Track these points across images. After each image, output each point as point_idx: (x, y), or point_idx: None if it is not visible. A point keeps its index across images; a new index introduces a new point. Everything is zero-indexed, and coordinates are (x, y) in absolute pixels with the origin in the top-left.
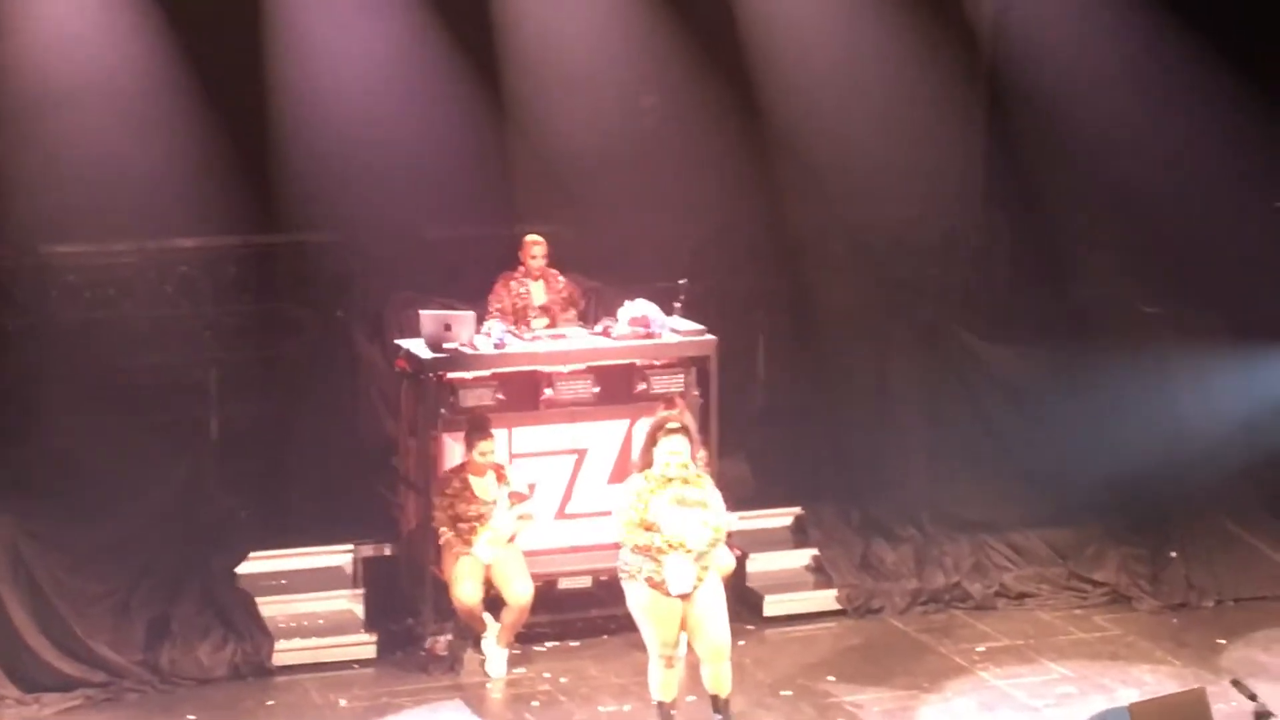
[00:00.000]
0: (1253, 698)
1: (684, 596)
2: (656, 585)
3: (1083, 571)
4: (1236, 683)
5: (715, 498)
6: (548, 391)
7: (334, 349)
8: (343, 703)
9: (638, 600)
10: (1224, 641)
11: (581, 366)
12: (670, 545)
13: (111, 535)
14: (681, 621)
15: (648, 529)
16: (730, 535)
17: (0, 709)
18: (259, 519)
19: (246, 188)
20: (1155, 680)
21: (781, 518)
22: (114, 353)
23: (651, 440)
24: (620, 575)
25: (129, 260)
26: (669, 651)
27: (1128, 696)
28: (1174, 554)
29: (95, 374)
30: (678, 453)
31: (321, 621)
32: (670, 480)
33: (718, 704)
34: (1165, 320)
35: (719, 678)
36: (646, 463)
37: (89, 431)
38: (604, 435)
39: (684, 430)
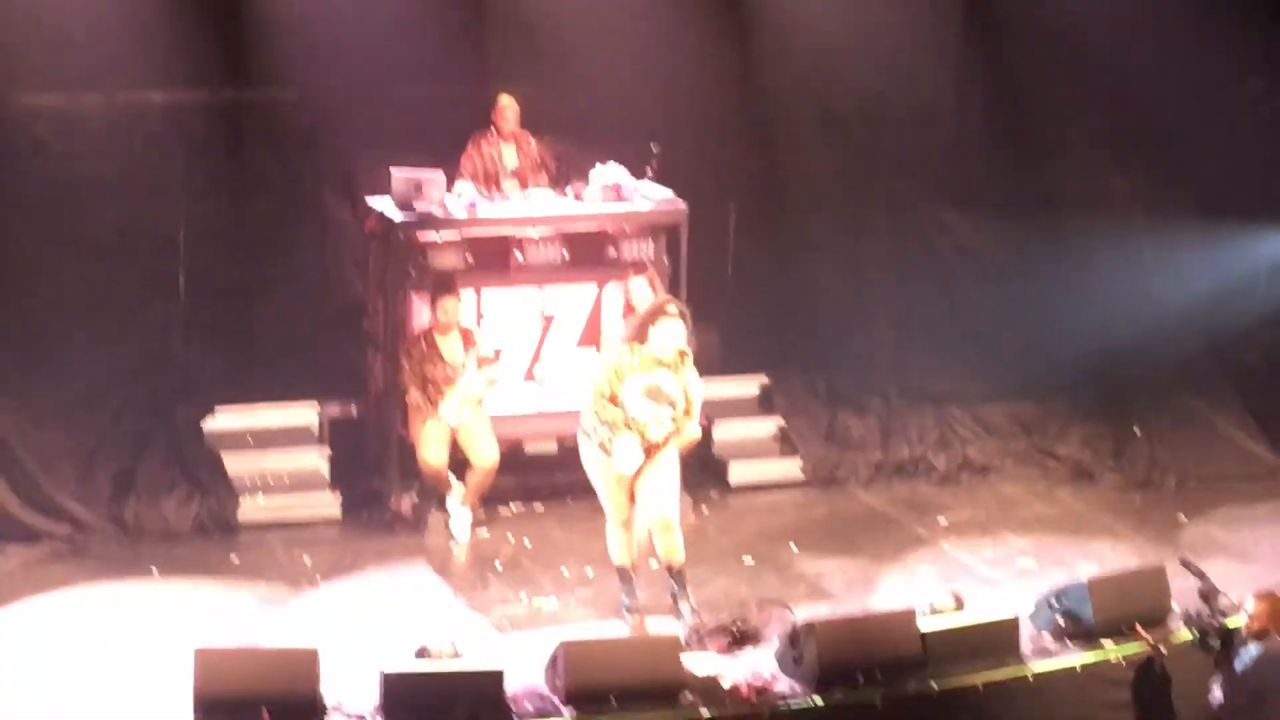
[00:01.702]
0: (1201, 575)
1: (634, 464)
2: (606, 451)
3: (1047, 446)
4: (1186, 561)
5: (695, 393)
6: (517, 255)
7: (303, 207)
8: (307, 560)
9: (591, 462)
10: (1185, 519)
11: (551, 231)
12: (629, 426)
13: (77, 389)
14: (630, 491)
15: (613, 403)
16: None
17: None
18: (226, 375)
19: (217, 42)
20: (1115, 556)
21: (748, 386)
22: (82, 207)
23: (651, 319)
24: (579, 434)
25: (98, 113)
26: (624, 515)
27: (1087, 571)
28: (1138, 431)
29: (63, 228)
30: (673, 338)
31: (287, 479)
32: (658, 363)
33: (672, 571)
34: (1135, 196)
35: (670, 547)
36: (639, 337)
37: (56, 286)
38: (572, 300)
39: (683, 316)
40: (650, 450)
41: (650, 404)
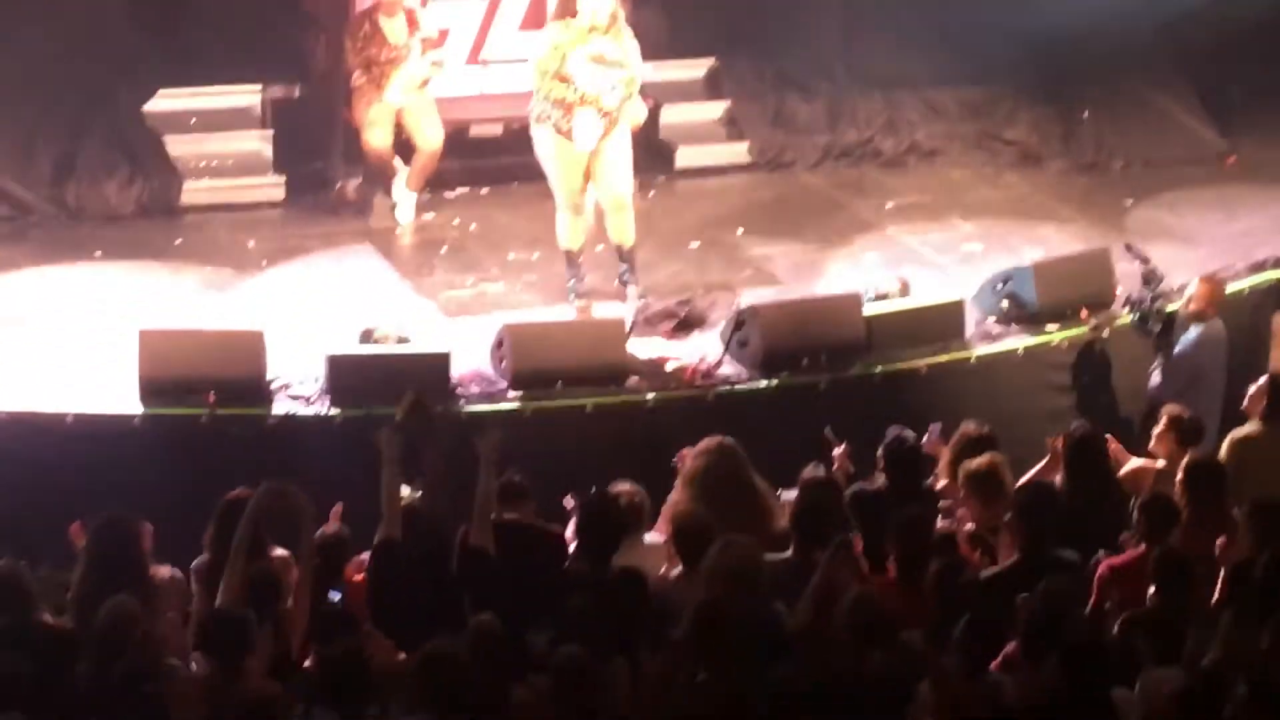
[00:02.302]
0: (1144, 260)
1: (588, 146)
2: (563, 133)
3: (994, 130)
4: (1129, 246)
5: (634, 54)
6: None
7: None
8: (251, 244)
9: (545, 147)
10: (1130, 202)
11: None
12: (583, 100)
13: (14, 69)
14: (586, 170)
15: (562, 81)
16: (643, 85)
17: None
18: (167, 57)
19: None
20: (1060, 239)
21: (695, 69)
22: None
23: None
24: (530, 121)
25: None
26: (575, 199)
27: (1033, 255)
28: (1086, 114)
29: None
30: (602, 4)
31: (230, 162)
32: (592, 31)
33: (622, 253)
34: None
35: (622, 227)
36: (568, 11)
37: None
38: None
39: None
40: (608, 121)
41: (599, 70)
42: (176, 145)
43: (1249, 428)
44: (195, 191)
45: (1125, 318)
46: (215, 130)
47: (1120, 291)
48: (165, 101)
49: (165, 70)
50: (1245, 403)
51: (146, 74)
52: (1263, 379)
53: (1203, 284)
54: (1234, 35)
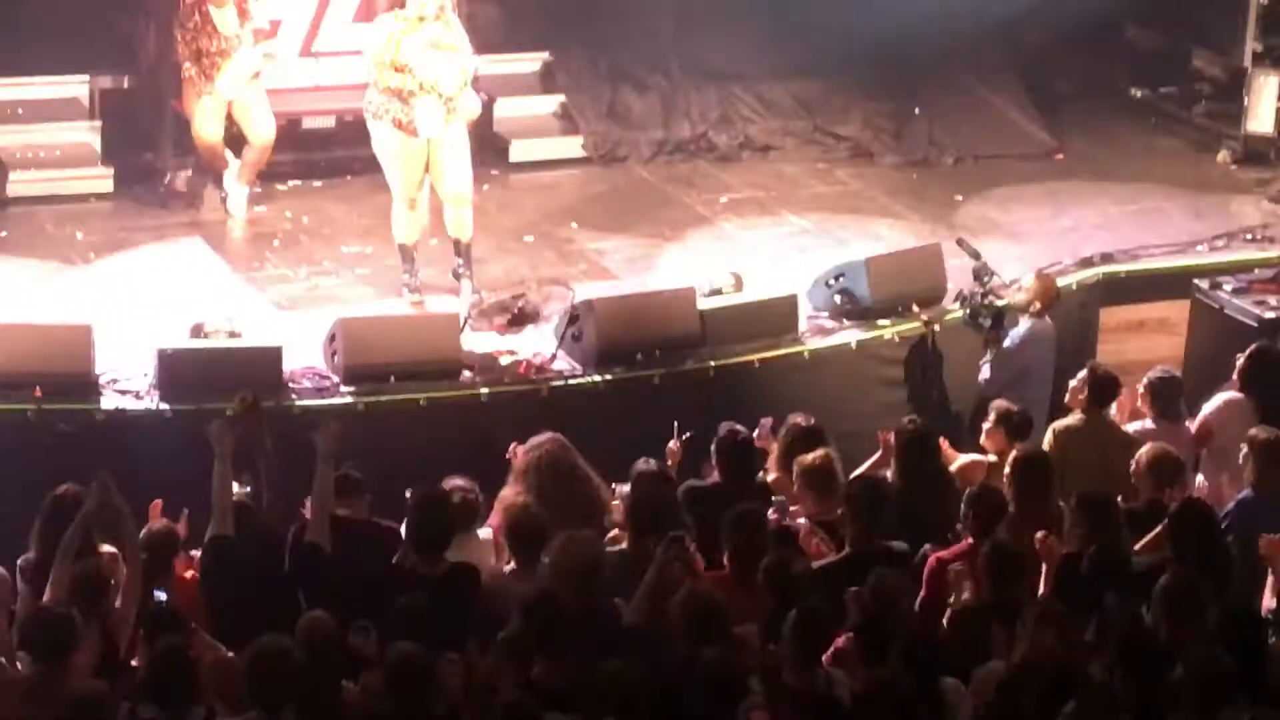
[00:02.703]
0: (975, 255)
1: (427, 139)
2: (403, 127)
3: (828, 125)
4: (961, 241)
5: (464, 41)
6: None
7: None
8: (79, 235)
9: (384, 141)
10: (961, 198)
11: None
12: (423, 88)
13: None
14: (425, 164)
15: (399, 70)
16: (477, 79)
17: None
18: None
19: None
20: (893, 235)
21: (530, 63)
22: None
23: None
24: (366, 116)
25: None
26: (413, 193)
27: (865, 250)
28: (918, 110)
29: None
30: None
31: (58, 153)
32: (423, 20)
33: (459, 248)
34: None
35: (460, 221)
36: (397, 2)
37: None
38: None
39: None
40: (448, 109)
41: (436, 55)
42: (2, 136)
43: (1071, 419)
44: (21, 183)
45: (956, 313)
46: (42, 121)
47: (951, 287)
48: None
49: None
50: (1067, 395)
51: None
52: (1083, 371)
53: (1037, 280)
54: (1062, 33)
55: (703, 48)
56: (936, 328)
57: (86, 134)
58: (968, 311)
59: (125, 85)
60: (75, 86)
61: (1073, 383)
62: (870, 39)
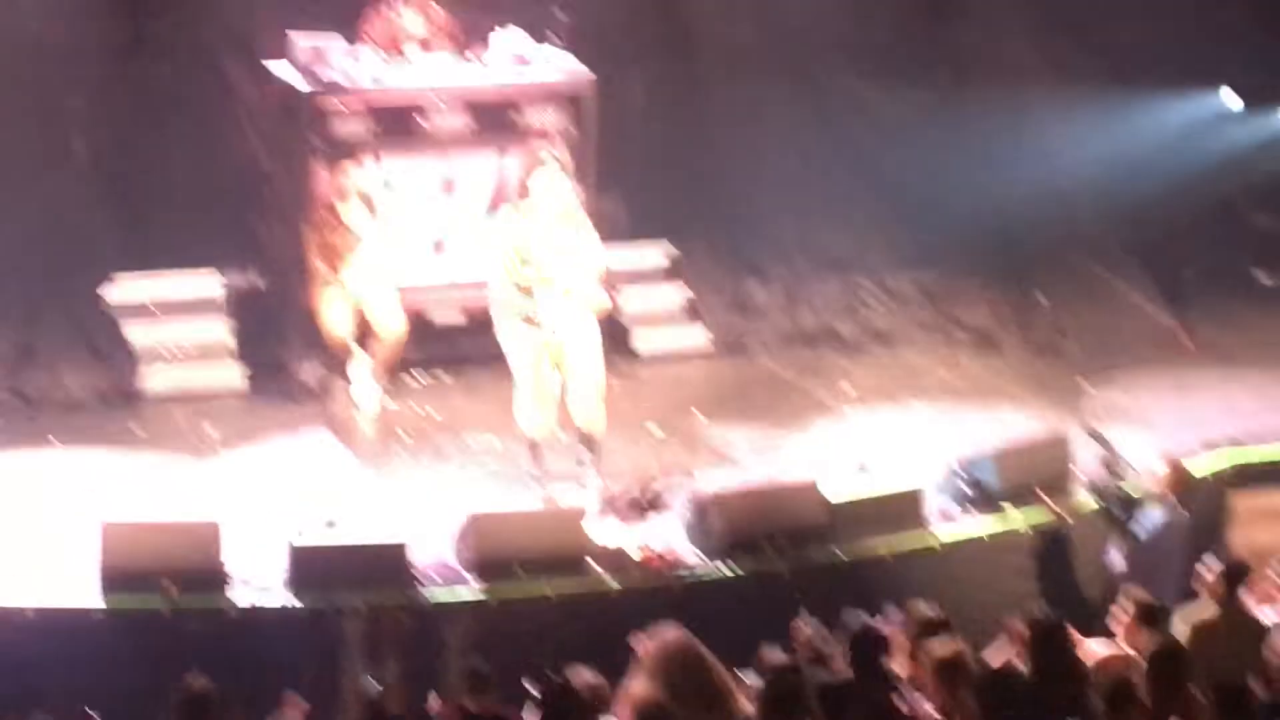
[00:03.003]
0: (1105, 443)
1: (556, 332)
2: (529, 320)
3: (953, 314)
4: (1091, 431)
5: (591, 236)
6: (421, 124)
7: (203, 72)
8: (210, 430)
9: (510, 335)
10: (1088, 386)
11: (456, 99)
12: (544, 281)
13: None
14: (553, 357)
15: (524, 264)
16: (604, 271)
17: None
18: (127, 244)
19: None
20: (1019, 423)
21: (655, 255)
22: None
23: (527, 175)
24: (493, 310)
25: None
26: (540, 387)
27: (992, 439)
28: (1042, 298)
29: None
30: (555, 188)
31: (190, 348)
32: (549, 214)
33: (588, 441)
34: (1042, 63)
35: (590, 415)
36: (522, 196)
37: None
38: (478, 169)
39: (560, 165)
40: (571, 303)
41: (559, 250)
42: (136, 331)
43: (1207, 612)
44: (155, 378)
45: (1086, 501)
46: (175, 316)
47: (1081, 475)
48: (125, 288)
49: (126, 256)
50: (1200, 584)
51: (107, 260)
52: (1219, 562)
53: (1167, 467)
54: (1186, 218)
55: (825, 237)
56: (1067, 517)
57: (219, 330)
58: (1098, 500)
59: (257, 282)
60: (208, 283)
61: (1205, 571)
62: (991, 227)
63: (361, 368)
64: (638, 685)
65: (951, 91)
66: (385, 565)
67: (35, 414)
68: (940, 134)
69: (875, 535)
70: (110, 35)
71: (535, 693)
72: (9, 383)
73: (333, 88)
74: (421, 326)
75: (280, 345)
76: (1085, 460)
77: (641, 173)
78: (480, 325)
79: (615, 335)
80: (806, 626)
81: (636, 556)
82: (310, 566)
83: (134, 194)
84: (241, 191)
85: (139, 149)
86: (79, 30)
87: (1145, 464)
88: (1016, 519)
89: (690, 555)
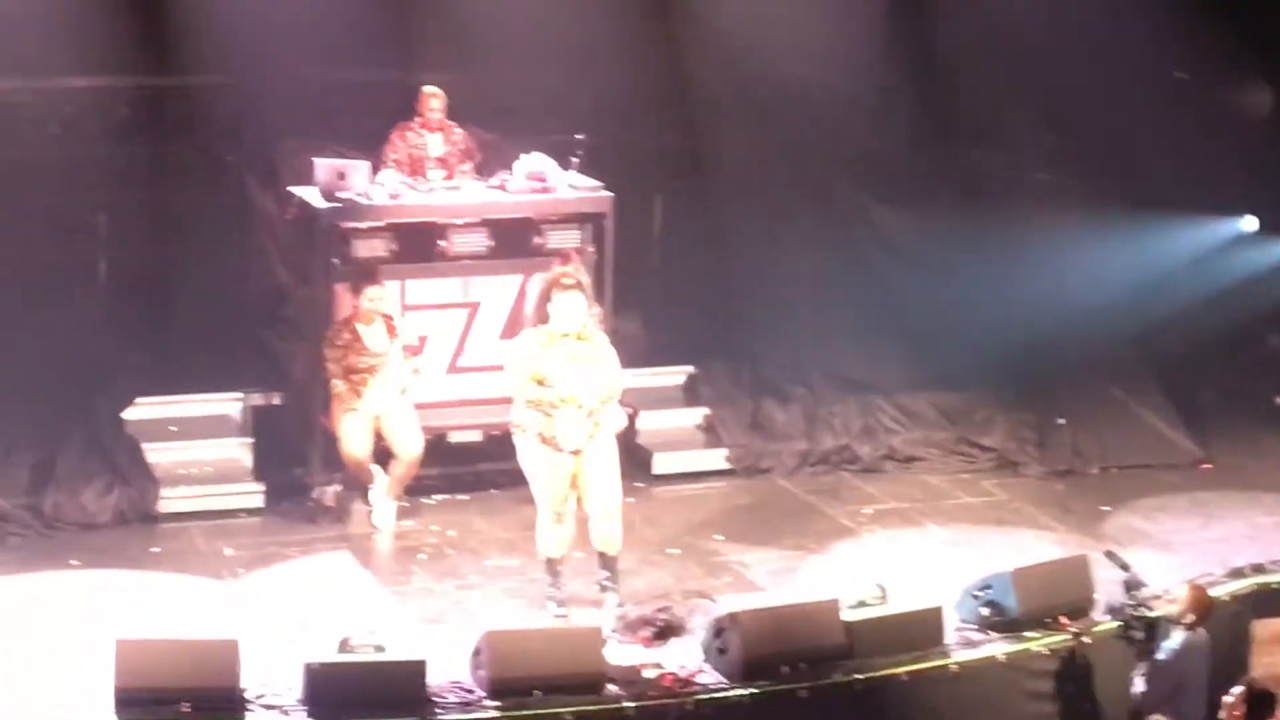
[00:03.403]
0: (1124, 568)
1: (575, 452)
2: (548, 441)
3: (971, 436)
4: (1110, 554)
5: (609, 355)
6: (442, 244)
7: (225, 194)
8: (229, 551)
9: (529, 455)
10: (1108, 508)
11: (476, 219)
12: (563, 400)
13: None
14: (572, 478)
15: (541, 384)
16: (622, 393)
17: None
18: (147, 364)
19: (137, 28)
20: (1039, 546)
21: (673, 376)
22: (1, 192)
23: (546, 295)
24: (512, 430)
25: (17, 99)
26: (559, 507)
27: (1011, 561)
28: (1061, 421)
29: None
30: (574, 309)
31: (209, 469)
32: (565, 336)
33: (606, 561)
34: (1059, 187)
35: (609, 535)
36: (541, 318)
37: None
38: (498, 289)
39: (579, 286)
40: (590, 422)
41: (577, 370)
42: (155, 452)
43: None
44: (173, 499)
45: (1106, 624)
46: (195, 437)
47: (1100, 598)
48: (145, 409)
49: (144, 377)
50: (1222, 711)
51: (126, 381)
52: (1239, 687)
53: (1189, 591)
54: (1203, 342)
55: (843, 360)
56: (1086, 640)
57: (238, 450)
58: (1119, 623)
59: (276, 402)
60: (227, 403)
61: (1228, 698)
62: (1009, 350)
63: (379, 487)
64: None
65: (970, 213)
66: (403, 685)
67: (55, 534)
68: (959, 256)
69: (893, 656)
70: (133, 157)
71: None
72: (29, 503)
73: (354, 209)
74: (439, 446)
75: (299, 465)
76: (1105, 583)
77: (661, 293)
78: (498, 445)
79: (635, 457)
80: None
81: (654, 678)
82: (327, 686)
83: (155, 314)
84: (262, 311)
85: (160, 270)
86: (103, 152)
87: (1165, 587)
88: (1035, 641)
89: (708, 677)
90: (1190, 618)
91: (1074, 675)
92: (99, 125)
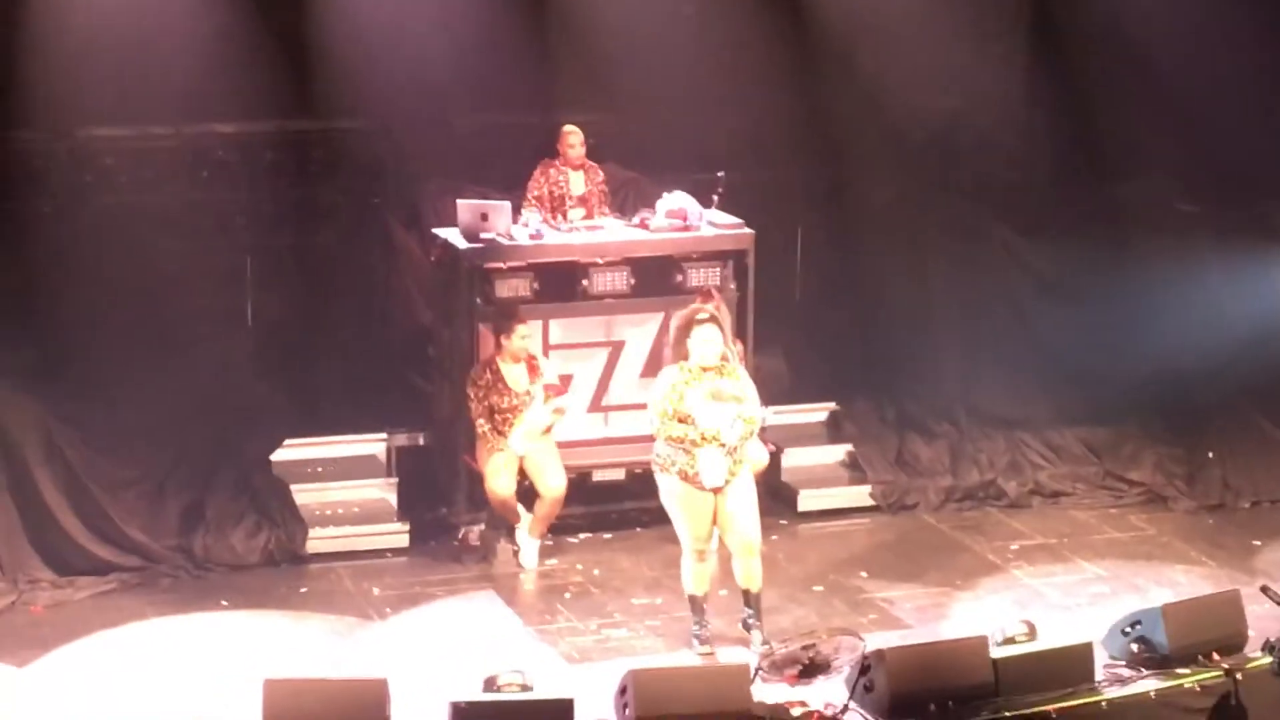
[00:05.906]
0: (1278, 602)
1: (716, 490)
2: (689, 478)
3: (1118, 470)
4: (1266, 589)
5: (750, 391)
6: (584, 283)
7: (369, 237)
8: (375, 591)
9: (671, 493)
10: (1259, 543)
11: (618, 258)
12: (704, 438)
13: (145, 420)
14: (713, 515)
15: (682, 421)
16: (765, 430)
17: (34, 591)
18: (293, 407)
19: (283, 73)
20: (1189, 581)
21: (817, 413)
22: (149, 238)
23: (684, 332)
24: (654, 467)
25: (165, 145)
26: (701, 545)
27: (1161, 597)
28: (1210, 454)
29: (130, 259)
30: (711, 343)
31: (355, 510)
32: (706, 371)
33: (749, 598)
34: (1203, 218)
35: (750, 572)
36: (680, 354)
37: (123, 317)
38: (640, 328)
39: (714, 320)
40: (732, 460)
41: (717, 406)
42: (302, 494)
43: None
44: (321, 539)
45: (1261, 660)
46: (341, 479)
47: (1253, 634)
48: (292, 451)
49: (292, 419)
50: None
51: (273, 423)
52: None
53: None
54: None
55: (989, 395)
56: (1239, 676)
57: (383, 490)
58: (1274, 660)
59: (420, 442)
60: (372, 445)
61: None
62: (1156, 383)
63: (524, 527)
64: None
65: (1114, 246)
66: None
67: (205, 575)
68: (1103, 289)
69: (1042, 694)
70: (279, 200)
71: None
72: (179, 544)
73: (495, 249)
74: (583, 485)
75: (444, 504)
76: (1257, 619)
77: (803, 330)
78: (641, 483)
79: (779, 495)
80: None
81: (800, 715)
82: None
83: (301, 356)
84: (406, 352)
85: (306, 312)
86: (248, 196)
87: None
88: (1188, 678)
89: (854, 715)
90: None
91: (1227, 713)
92: (246, 170)
